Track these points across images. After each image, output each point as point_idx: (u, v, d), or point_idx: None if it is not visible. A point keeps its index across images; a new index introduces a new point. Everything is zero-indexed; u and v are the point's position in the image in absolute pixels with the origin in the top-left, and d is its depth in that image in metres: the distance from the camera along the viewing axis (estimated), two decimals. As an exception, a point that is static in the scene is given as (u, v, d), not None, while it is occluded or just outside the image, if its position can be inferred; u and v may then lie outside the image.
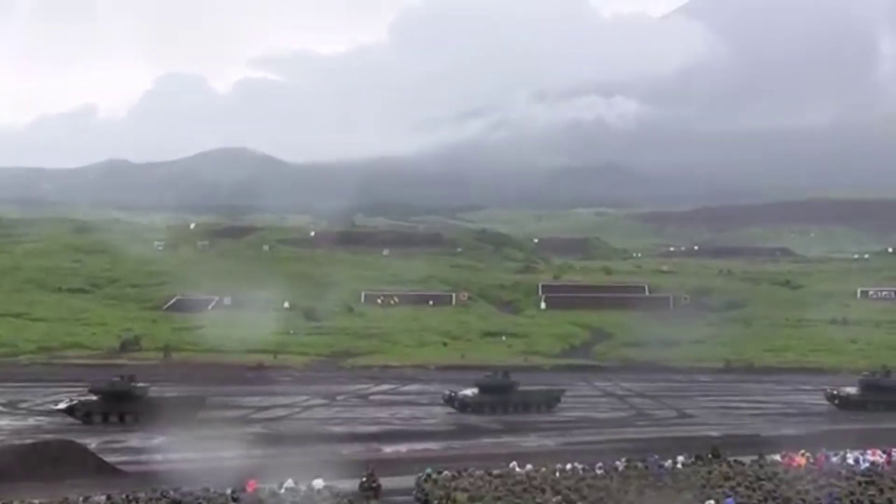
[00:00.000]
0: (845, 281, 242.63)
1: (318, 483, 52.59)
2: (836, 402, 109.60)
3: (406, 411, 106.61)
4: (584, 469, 61.10)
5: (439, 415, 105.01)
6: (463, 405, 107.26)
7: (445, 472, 59.42)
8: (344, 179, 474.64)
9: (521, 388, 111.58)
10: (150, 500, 47.17)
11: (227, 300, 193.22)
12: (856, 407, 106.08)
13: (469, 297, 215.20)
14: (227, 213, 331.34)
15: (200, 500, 46.86)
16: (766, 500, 42.46)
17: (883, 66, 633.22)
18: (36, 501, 47.00)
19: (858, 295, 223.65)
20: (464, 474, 58.07)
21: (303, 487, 51.90)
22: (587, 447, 79.05)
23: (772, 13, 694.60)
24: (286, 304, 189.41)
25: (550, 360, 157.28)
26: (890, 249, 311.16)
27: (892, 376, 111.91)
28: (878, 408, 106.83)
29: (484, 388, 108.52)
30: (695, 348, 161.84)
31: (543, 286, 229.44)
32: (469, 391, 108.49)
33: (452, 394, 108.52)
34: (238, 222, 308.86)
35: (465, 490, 50.79)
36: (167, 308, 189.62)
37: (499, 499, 45.99)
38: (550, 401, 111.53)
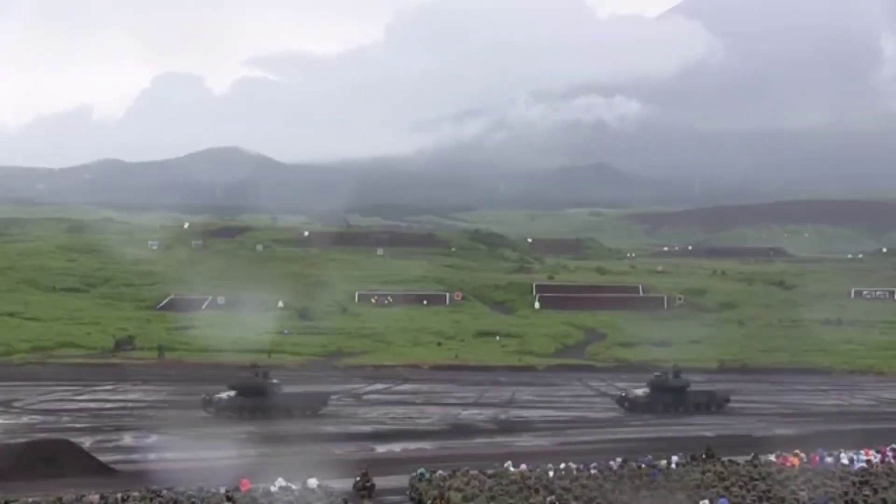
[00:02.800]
0: (839, 281, 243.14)
1: (313, 482, 52.62)
2: (626, 404, 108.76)
3: (399, 411, 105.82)
4: (578, 469, 61.15)
5: (434, 414, 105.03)
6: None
7: (439, 472, 59.49)
8: (339, 180, 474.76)
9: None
10: (144, 498, 47.18)
11: (220, 300, 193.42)
12: (643, 409, 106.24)
13: (463, 297, 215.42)
14: (220, 212, 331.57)
15: (194, 500, 46.88)
16: (759, 499, 42.52)
17: (881, 68, 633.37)
18: (30, 500, 46.93)
19: (852, 295, 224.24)
20: (458, 474, 58.08)
21: (296, 487, 51.94)
22: (581, 447, 79.11)
23: (769, 12, 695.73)
24: (280, 304, 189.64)
25: (544, 360, 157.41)
26: (884, 250, 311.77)
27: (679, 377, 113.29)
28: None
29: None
30: (689, 349, 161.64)
31: (537, 286, 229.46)
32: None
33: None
34: (232, 222, 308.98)
35: (458, 490, 50.78)
36: (161, 308, 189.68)
37: (493, 498, 46.01)
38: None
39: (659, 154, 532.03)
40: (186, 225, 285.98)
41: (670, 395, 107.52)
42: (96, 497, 47.77)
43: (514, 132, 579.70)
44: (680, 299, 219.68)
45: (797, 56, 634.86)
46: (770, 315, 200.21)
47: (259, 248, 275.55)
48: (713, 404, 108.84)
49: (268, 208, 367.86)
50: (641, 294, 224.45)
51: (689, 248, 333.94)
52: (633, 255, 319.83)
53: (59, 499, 47.25)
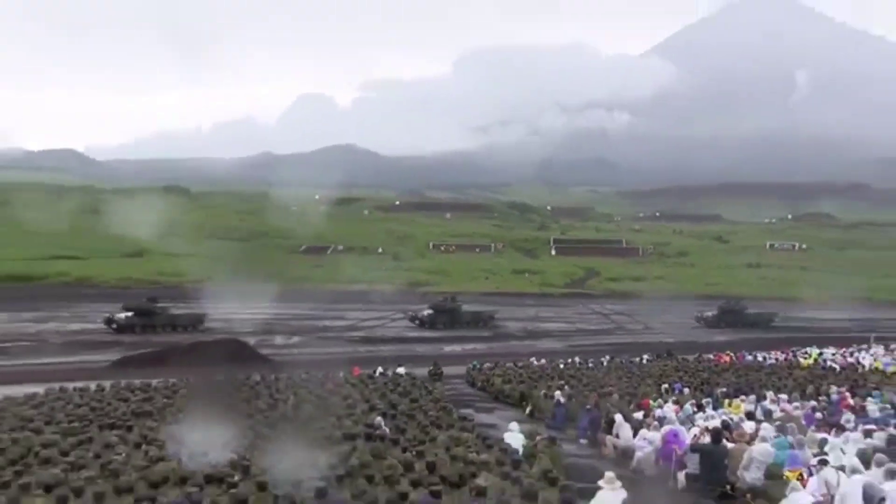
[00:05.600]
0: (760, 238, 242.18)
1: (401, 370, 53.05)
2: (416, 322, 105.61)
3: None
4: (580, 363, 61.52)
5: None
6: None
7: (486, 364, 60.01)
8: (420, 165, 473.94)
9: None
10: (288, 378, 47.43)
11: (340, 247, 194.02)
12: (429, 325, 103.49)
13: (503, 247, 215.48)
14: (340, 188, 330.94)
15: (323, 381, 47.01)
16: (702, 384, 42.60)
17: (797, 92, 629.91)
18: (219, 377, 47.23)
19: (768, 247, 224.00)
20: (498, 365, 58.52)
21: (391, 373, 52.29)
22: (583, 348, 79.17)
23: (718, 50, 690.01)
24: (380, 250, 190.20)
25: (558, 290, 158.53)
26: (790, 216, 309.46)
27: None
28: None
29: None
30: (656, 283, 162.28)
31: (554, 239, 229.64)
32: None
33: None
34: (346, 194, 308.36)
35: (499, 376, 50.98)
36: (301, 252, 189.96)
37: (522, 381, 46.02)
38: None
39: (642, 150, 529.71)
40: (317, 196, 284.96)
41: (447, 315, 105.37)
42: (258, 376, 48.18)
43: (543, 133, 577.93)
44: (650, 249, 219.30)
45: (737, 80, 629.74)
46: (711, 261, 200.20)
47: (365, 212, 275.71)
48: (481, 322, 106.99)
49: (371, 184, 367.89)
50: (624, 245, 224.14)
51: (657, 214, 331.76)
52: (619, 219, 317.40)
53: (235, 377, 47.66)
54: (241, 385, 43.19)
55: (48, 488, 16.53)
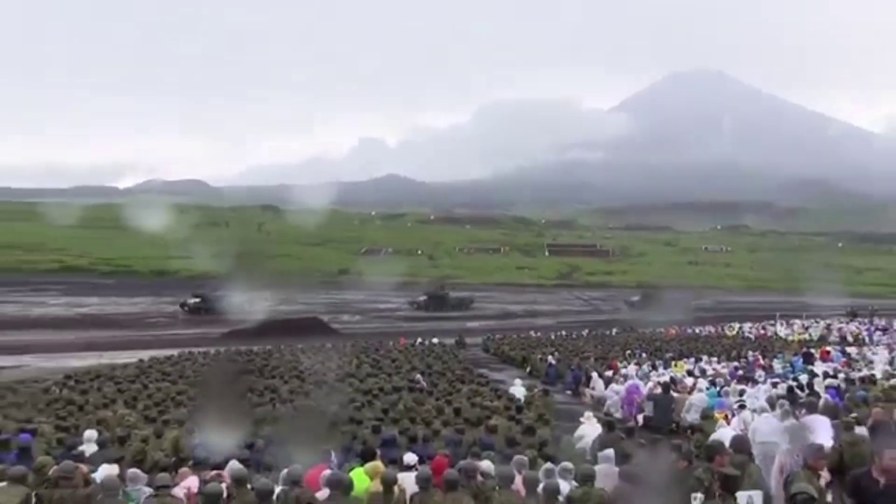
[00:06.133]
0: (698, 243, 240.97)
1: (435, 340, 53.16)
2: (415, 306, 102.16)
3: (477, 305, 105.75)
4: (565, 335, 61.45)
5: (493, 308, 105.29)
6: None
7: (497, 335, 60.03)
8: (449, 189, 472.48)
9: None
10: (353, 345, 47.50)
11: (389, 250, 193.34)
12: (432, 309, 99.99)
13: (508, 250, 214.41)
14: (389, 206, 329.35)
15: (377, 347, 46.96)
16: (655, 350, 42.51)
17: (724, 135, 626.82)
18: (299, 345, 47.31)
19: (704, 249, 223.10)
20: (506, 337, 58.51)
21: (427, 342, 52.29)
22: (568, 325, 78.98)
23: (664, 106, 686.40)
24: (419, 252, 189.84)
25: (550, 281, 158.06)
26: (719, 227, 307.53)
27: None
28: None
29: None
30: (622, 276, 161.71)
31: (547, 244, 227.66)
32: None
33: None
34: (394, 211, 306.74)
35: (506, 344, 50.96)
36: (361, 253, 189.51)
37: (523, 348, 46.00)
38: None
39: (612, 178, 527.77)
40: (373, 212, 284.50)
41: (437, 300, 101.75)
42: (329, 344, 48.29)
43: (539, 165, 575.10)
44: (616, 252, 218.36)
45: (679, 127, 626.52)
46: (662, 259, 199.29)
47: (408, 224, 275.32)
48: (463, 305, 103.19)
49: (412, 204, 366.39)
50: (599, 248, 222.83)
51: (624, 225, 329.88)
52: (596, 229, 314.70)
53: (312, 346, 47.72)
54: (318, 350, 43.43)
55: (180, 423, 16.84)
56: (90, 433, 15.09)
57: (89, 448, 14.21)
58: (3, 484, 9.70)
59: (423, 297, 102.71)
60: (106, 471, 10.99)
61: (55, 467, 10.48)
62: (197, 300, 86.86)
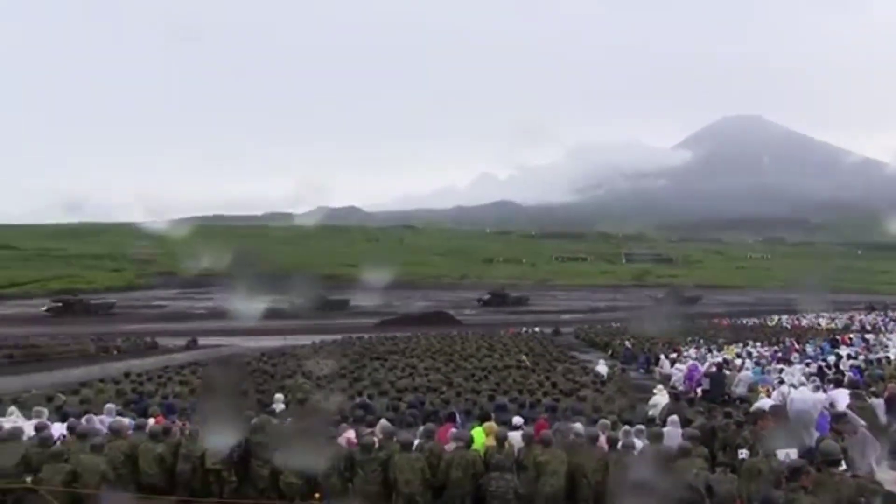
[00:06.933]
0: (743, 251, 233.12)
1: (537, 329, 51.89)
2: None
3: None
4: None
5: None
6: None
7: (585, 326, 58.62)
8: (547, 211, 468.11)
9: None
10: (473, 334, 47.05)
11: (500, 259, 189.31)
12: None
13: (593, 258, 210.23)
14: (502, 225, 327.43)
15: (492, 336, 46.36)
16: (711, 336, 41.22)
17: (765, 167, 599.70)
18: (431, 333, 47.20)
19: (749, 257, 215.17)
20: (592, 327, 57.27)
21: (530, 331, 51.47)
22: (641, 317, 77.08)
23: (715, 144, 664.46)
24: (523, 260, 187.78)
25: (626, 283, 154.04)
26: (760, 239, 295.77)
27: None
28: None
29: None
30: (684, 278, 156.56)
31: (624, 253, 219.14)
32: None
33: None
34: (504, 229, 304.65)
35: (593, 333, 49.91)
36: (481, 262, 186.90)
37: (606, 335, 45.03)
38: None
39: (673, 201, 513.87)
40: (487, 230, 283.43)
41: (499, 298, 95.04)
42: (455, 332, 48.29)
43: (616, 192, 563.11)
44: (680, 259, 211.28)
45: (728, 161, 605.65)
46: (715, 265, 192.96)
47: (514, 239, 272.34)
48: (520, 303, 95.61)
49: (518, 223, 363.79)
50: (665, 257, 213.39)
51: (683, 238, 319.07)
52: (661, 241, 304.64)
53: (441, 334, 47.68)
54: (446, 337, 43.73)
55: (343, 390, 17.26)
56: (279, 396, 15.86)
57: (278, 407, 14.93)
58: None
59: (487, 296, 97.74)
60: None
61: (255, 419, 10.89)
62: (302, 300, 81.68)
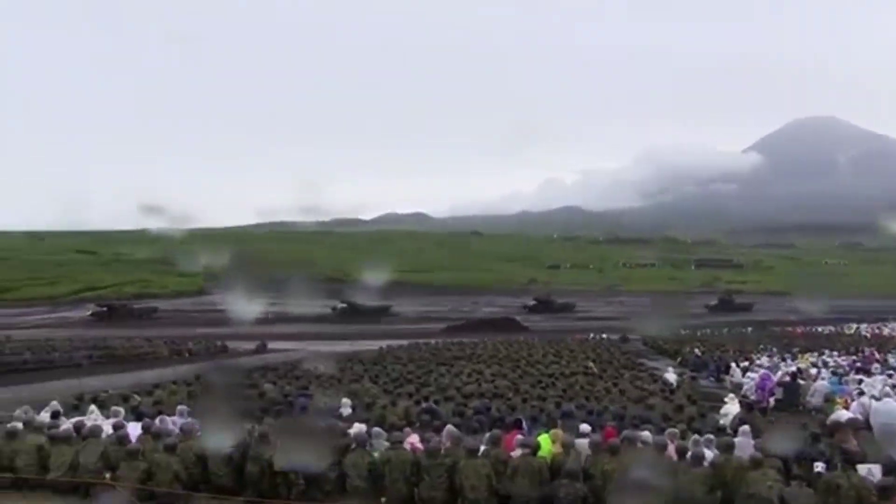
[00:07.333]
0: (818, 257, 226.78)
1: (604, 335, 51.22)
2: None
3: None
4: (708, 331, 58.41)
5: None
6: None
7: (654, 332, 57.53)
8: (614, 217, 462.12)
9: None
10: (540, 340, 46.60)
11: (568, 265, 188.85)
12: None
13: (661, 264, 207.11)
14: (568, 230, 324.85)
15: (559, 342, 45.93)
16: (785, 345, 40.01)
17: (839, 168, 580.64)
18: (497, 339, 46.99)
19: (825, 263, 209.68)
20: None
21: (597, 337, 50.69)
22: (709, 324, 75.18)
23: (787, 147, 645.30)
24: (591, 266, 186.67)
25: (695, 290, 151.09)
26: (836, 243, 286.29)
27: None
28: None
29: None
30: (754, 285, 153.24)
31: (694, 259, 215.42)
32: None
33: None
34: (571, 234, 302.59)
35: (661, 339, 48.60)
36: (547, 267, 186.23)
37: (675, 342, 44.12)
38: None
39: (744, 205, 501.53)
40: (555, 235, 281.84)
41: (544, 305, 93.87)
42: (521, 338, 47.83)
43: (684, 196, 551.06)
44: (750, 265, 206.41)
45: (801, 163, 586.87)
46: (788, 270, 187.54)
47: (581, 244, 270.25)
48: (567, 309, 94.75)
49: (585, 228, 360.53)
50: (734, 262, 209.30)
51: (754, 244, 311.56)
52: (731, 246, 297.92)
53: (508, 340, 47.45)
54: (513, 343, 43.58)
55: (410, 395, 17.30)
56: (346, 400, 16.05)
57: (345, 411, 15.11)
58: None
59: (532, 302, 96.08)
60: (357, 428, 11.55)
61: (323, 424, 11.27)
62: (344, 305, 77.98)
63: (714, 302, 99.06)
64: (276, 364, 24.80)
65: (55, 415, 13.02)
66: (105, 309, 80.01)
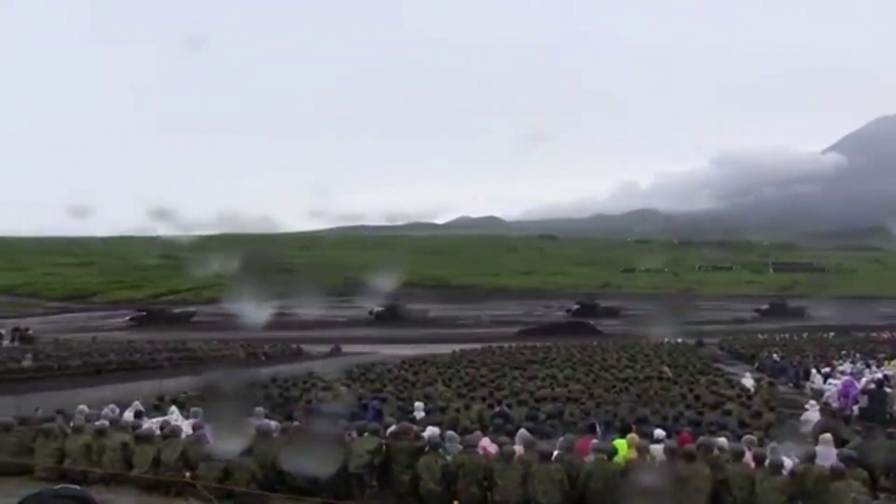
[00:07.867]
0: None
1: (679, 339, 49.62)
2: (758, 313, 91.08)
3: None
4: (788, 336, 56.88)
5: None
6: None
7: (731, 337, 56.13)
8: (689, 219, 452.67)
9: None
10: (614, 344, 45.99)
11: (642, 268, 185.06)
12: None
13: (738, 267, 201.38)
14: (643, 233, 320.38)
15: (633, 345, 45.24)
16: (868, 351, 38.56)
17: None
18: (571, 342, 46.48)
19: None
20: (737, 338, 54.73)
21: (672, 342, 49.52)
22: (790, 329, 72.92)
23: (868, 146, 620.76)
24: (665, 270, 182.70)
25: (773, 294, 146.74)
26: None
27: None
28: None
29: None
30: (836, 289, 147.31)
31: (771, 262, 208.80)
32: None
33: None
34: (646, 237, 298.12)
35: (738, 344, 47.55)
36: (621, 271, 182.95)
37: (752, 347, 42.97)
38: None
39: (824, 207, 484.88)
40: (628, 238, 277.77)
41: (588, 309, 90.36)
42: (595, 342, 47.20)
43: (763, 199, 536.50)
44: (832, 268, 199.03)
45: (881, 164, 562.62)
46: (872, 274, 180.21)
47: (656, 247, 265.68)
48: (612, 313, 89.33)
49: (661, 231, 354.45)
50: (815, 266, 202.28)
51: (836, 245, 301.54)
52: (811, 249, 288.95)
53: (582, 343, 46.85)
54: (587, 347, 43.08)
55: (483, 399, 17.28)
56: (419, 403, 16.20)
57: (419, 414, 15.19)
58: (365, 435, 10.58)
59: (575, 307, 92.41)
60: (430, 431, 11.59)
61: (396, 425, 11.41)
62: (381, 309, 76.23)
63: (765, 306, 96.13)
64: (288, 374, 24.28)
65: (138, 414, 13.75)
66: (144, 313, 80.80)
